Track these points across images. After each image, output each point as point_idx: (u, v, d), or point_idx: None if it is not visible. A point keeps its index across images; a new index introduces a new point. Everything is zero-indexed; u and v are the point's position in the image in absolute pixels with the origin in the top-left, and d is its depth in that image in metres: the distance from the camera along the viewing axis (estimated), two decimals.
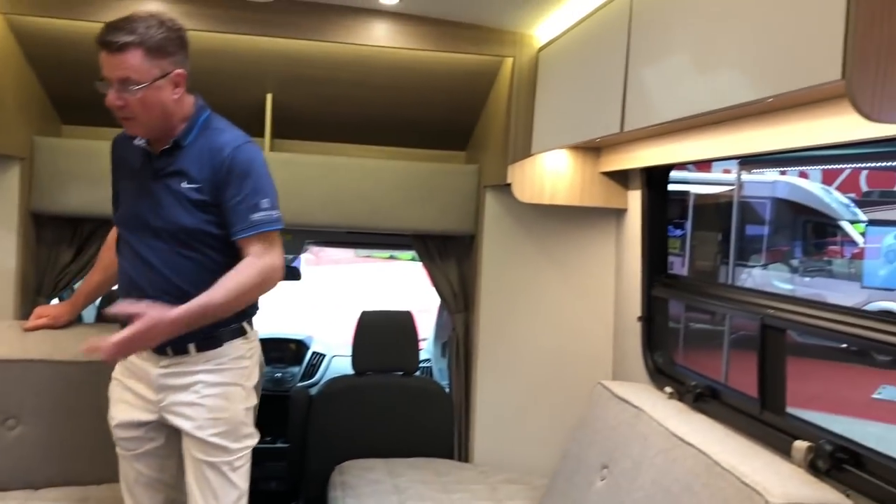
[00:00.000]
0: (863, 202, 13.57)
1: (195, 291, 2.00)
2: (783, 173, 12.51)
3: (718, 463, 1.90)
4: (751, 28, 1.50)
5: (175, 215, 2.11)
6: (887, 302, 10.23)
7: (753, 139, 1.96)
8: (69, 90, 3.12)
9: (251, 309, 2.24)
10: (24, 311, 3.08)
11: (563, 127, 2.57)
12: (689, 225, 11.25)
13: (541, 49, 2.84)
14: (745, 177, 10.54)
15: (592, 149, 2.90)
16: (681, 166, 2.74)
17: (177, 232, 2.11)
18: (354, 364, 3.49)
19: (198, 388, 2.14)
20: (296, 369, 4.57)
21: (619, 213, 3.09)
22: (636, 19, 2.02)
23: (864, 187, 18.00)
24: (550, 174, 2.92)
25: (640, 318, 2.85)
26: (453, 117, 3.36)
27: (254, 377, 2.26)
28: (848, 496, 1.78)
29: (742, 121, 2.01)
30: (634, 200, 2.91)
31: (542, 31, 2.83)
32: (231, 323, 2.16)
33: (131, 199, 2.22)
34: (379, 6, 2.73)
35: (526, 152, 2.87)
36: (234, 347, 2.19)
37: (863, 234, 12.03)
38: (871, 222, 11.92)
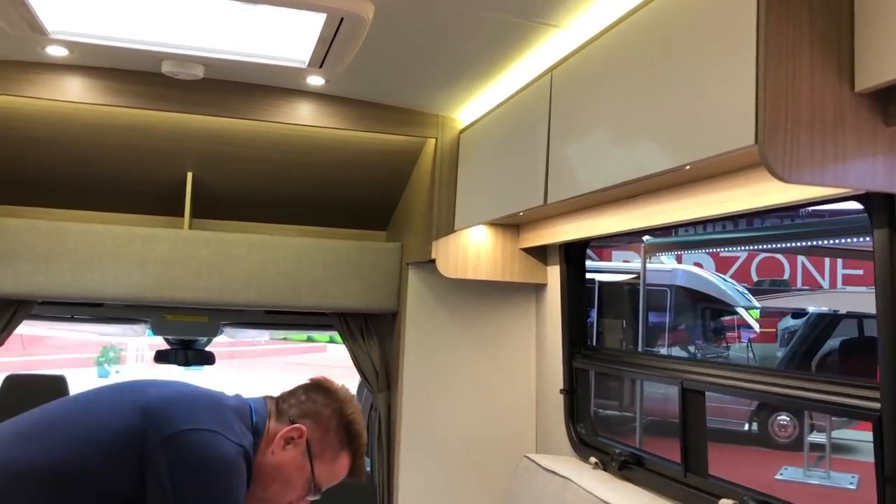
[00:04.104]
0: (755, 290, 14.30)
1: None
2: (679, 261, 13.11)
3: None
4: (666, 100, 1.62)
5: None
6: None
7: (669, 210, 2.09)
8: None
9: None
10: None
11: (486, 203, 2.66)
12: (594, 312, 11.56)
13: (462, 130, 2.96)
14: (648, 265, 10.98)
15: (512, 226, 3.00)
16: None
17: None
18: None
19: None
20: None
21: (539, 288, 3.18)
22: (556, 99, 2.14)
23: (755, 276, 19.02)
24: (473, 250, 3.00)
25: (562, 391, 2.91)
26: (376, 196, 3.43)
27: None
28: None
29: (657, 194, 2.14)
30: (553, 275, 3.00)
31: (464, 114, 2.95)
32: None
33: None
34: (305, 87, 2.80)
35: (449, 229, 2.94)
36: None
37: (757, 321, 12.63)
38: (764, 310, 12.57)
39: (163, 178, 3.21)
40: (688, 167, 1.63)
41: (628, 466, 2.47)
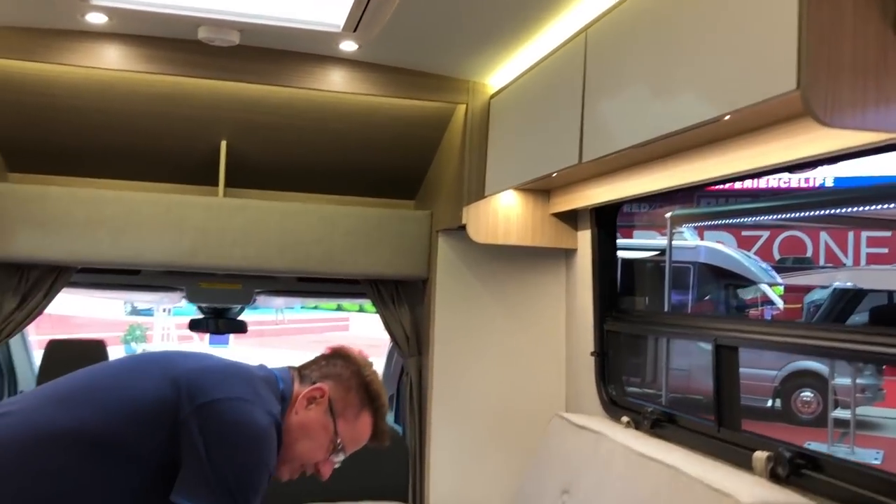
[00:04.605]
0: (778, 268, 14.23)
1: None
2: (701, 237, 13.06)
3: (684, 473, 1.96)
4: (706, 50, 1.64)
5: None
6: (807, 361, 10.62)
7: (704, 167, 2.10)
8: (18, 136, 3.10)
9: None
10: None
11: (518, 166, 2.69)
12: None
13: (493, 96, 2.98)
14: (668, 242, 10.95)
15: (543, 191, 3.02)
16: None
17: None
18: None
19: None
20: None
21: (569, 254, 3.20)
22: (591, 57, 2.16)
23: (777, 255, 18.91)
24: (503, 216, 3.02)
25: (593, 353, 2.93)
26: (405, 165, 3.46)
27: None
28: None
29: (691, 151, 2.15)
30: (584, 240, 3.02)
31: (494, 79, 2.97)
32: None
33: None
34: (337, 53, 2.83)
35: (480, 194, 2.97)
36: None
37: (781, 297, 12.57)
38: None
39: (197, 146, 3.26)
40: (727, 117, 1.64)
41: (661, 424, 2.51)
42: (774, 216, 13.39)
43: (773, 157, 1.84)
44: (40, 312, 3.21)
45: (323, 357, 1.87)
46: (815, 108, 1.35)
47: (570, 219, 3.07)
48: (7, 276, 3.10)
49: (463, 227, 3.03)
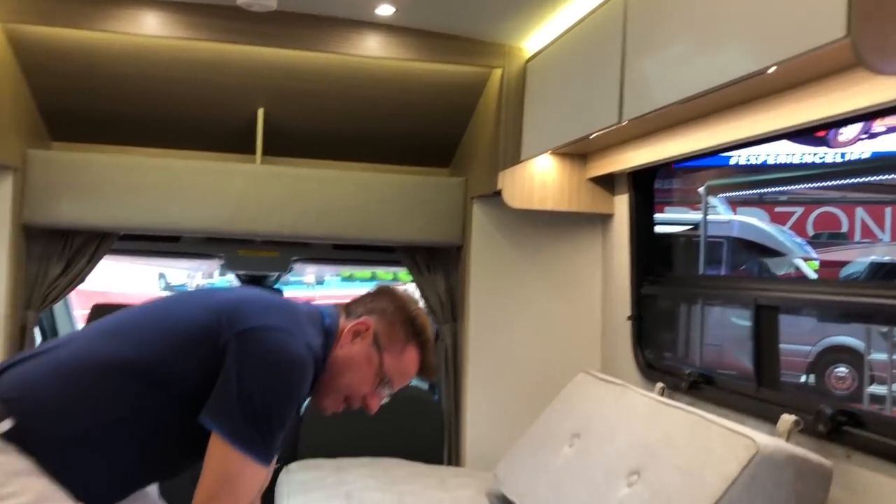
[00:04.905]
0: (813, 243, 14.03)
1: None
2: (734, 211, 12.90)
3: (705, 418, 1.96)
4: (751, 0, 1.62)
5: None
6: (841, 337, 10.51)
7: (746, 125, 2.08)
8: (61, 104, 3.15)
9: None
10: (14, 326, 3.05)
11: (555, 129, 2.68)
12: None
13: (529, 60, 2.97)
14: (698, 216, 10.84)
15: (580, 155, 3.01)
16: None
17: None
18: None
19: None
20: None
21: (604, 219, 3.19)
22: (631, 15, 2.14)
23: (811, 231, 18.64)
24: (539, 181, 3.02)
25: (629, 317, 2.94)
26: (440, 131, 3.46)
27: None
28: (849, 458, 1.86)
29: (732, 110, 2.13)
30: (621, 204, 3.02)
31: (530, 43, 2.96)
32: None
33: None
34: (373, 18, 2.84)
35: (515, 159, 2.96)
36: None
37: (816, 272, 12.41)
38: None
39: (235, 114, 3.29)
40: (772, 70, 1.63)
41: (698, 386, 2.50)
42: (812, 184, 13.18)
43: (821, 111, 1.80)
44: (83, 279, 3.28)
45: (369, 294, 1.89)
46: (866, 56, 1.33)
47: (607, 183, 3.06)
48: (52, 243, 3.17)
49: (498, 194, 3.03)
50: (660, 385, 2.65)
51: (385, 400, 1.81)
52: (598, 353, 3.25)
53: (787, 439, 1.91)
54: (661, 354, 2.88)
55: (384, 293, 1.87)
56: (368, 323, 1.78)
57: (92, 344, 1.66)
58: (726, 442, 1.84)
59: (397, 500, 2.70)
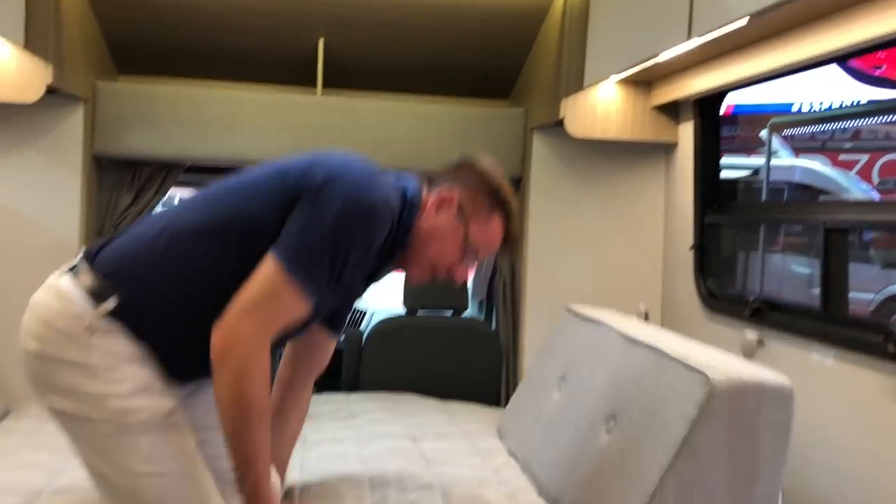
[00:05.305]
0: (880, 190, 13.58)
1: None
2: (796, 156, 12.52)
3: (667, 355, 1.91)
4: None
5: None
6: None
7: (818, 41, 2.02)
8: (127, 35, 3.20)
9: None
10: None
11: (621, 52, 2.63)
12: None
13: None
14: (761, 161, 10.54)
15: (644, 83, 2.96)
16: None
17: None
18: (405, 301, 3.56)
19: None
20: None
21: (668, 149, 3.15)
22: None
23: (877, 178, 18.04)
24: (602, 110, 2.98)
25: (692, 247, 2.91)
26: (500, 62, 3.43)
27: None
28: None
29: (803, 27, 2.07)
30: (686, 132, 2.96)
31: None
32: None
33: None
34: None
35: (578, 87, 2.92)
36: None
37: None
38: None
39: (296, 45, 3.30)
40: None
41: (761, 313, 2.48)
42: (883, 119, 12.69)
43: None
44: (152, 210, 3.37)
45: (453, 165, 1.87)
46: None
47: (671, 112, 3.01)
48: (121, 174, 3.26)
49: (558, 124, 3.00)
50: (642, 306, 2.60)
51: (472, 270, 1.79)
52: (658, 283, 3.23)
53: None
54: (723, 283, 2.84)
55: (468, 164, 1.84)
56: (453, 194, 1.76)
57: (178, 215, 1.71)
58: (684, 380, 1.78)
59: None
